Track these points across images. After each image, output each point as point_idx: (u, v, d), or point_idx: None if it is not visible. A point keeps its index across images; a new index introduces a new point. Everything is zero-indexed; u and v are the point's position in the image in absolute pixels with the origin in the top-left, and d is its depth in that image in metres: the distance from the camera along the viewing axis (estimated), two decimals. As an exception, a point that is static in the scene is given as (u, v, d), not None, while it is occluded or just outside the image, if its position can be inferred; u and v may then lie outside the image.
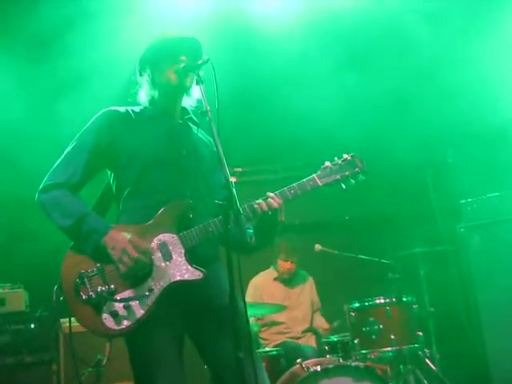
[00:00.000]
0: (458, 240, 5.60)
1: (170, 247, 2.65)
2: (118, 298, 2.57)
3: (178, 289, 2.63)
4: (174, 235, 2.66)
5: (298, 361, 4.34)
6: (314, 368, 4.16)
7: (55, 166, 2.76)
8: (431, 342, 5.60)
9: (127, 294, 2.58)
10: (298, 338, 5.48)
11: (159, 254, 2.63)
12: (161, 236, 2.66)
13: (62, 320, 4.93)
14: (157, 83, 2.90)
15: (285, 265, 5.63)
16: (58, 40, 5.06)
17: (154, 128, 2.85)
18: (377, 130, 5.72)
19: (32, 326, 4.90)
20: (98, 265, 2.61)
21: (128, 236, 2.60)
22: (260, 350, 4.74)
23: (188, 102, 2.96)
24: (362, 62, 5.63)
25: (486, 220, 5.38)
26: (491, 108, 5.53)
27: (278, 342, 5.34)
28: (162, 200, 2.70)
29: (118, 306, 2.56)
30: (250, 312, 4.69)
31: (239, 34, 5.42)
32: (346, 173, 2.83)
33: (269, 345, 5.37)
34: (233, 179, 2.48)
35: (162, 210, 2.68)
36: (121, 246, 2.56)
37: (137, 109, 2.93)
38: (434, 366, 4.82)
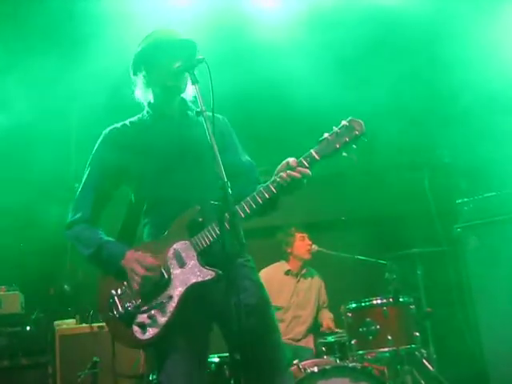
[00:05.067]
0: (455, 240, 5.59)
1: (183, 253, 2.74)
2: (143, 309, 2.72)
3: (198, 290, 2.71)
4: (186, 241, 2.75)
5: (295, 362, 4.31)
6: (311, 369, 4.15)
7: (74, 200, 2.96)
8: (428, 342, 5.58)
9: (150, 304, 2.72)
10: (298, 340, 5.46)
11: (175, 262, 2.74)
12: (174, 245, 2.76)
13: (56, 322, 4.90)
14: (152, 84, 2.92)
15: (303, 244, 5.56)
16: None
17: (155, 139, 2.89)
18: (374, 130, 5.70)
19: (27, 328, 4.88)
20: (125, 283, 2.77)
21: (136, 254, 2.73)
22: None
23: (184, 95, 2.97)
24: (359, 63, 5.62)
25: (482, 220, 5.37)
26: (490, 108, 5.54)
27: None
28: (175, 210, 2.77)
29: (144, 317, 2.71)
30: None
31: (235, 35, 5.40)
32: (345, 139, 2.67)
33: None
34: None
35: (175, 221, 2.78)
36: (130, 266, 2.72)
37: (135, 119, 2.99)
38: (432, 366, 4.82)
